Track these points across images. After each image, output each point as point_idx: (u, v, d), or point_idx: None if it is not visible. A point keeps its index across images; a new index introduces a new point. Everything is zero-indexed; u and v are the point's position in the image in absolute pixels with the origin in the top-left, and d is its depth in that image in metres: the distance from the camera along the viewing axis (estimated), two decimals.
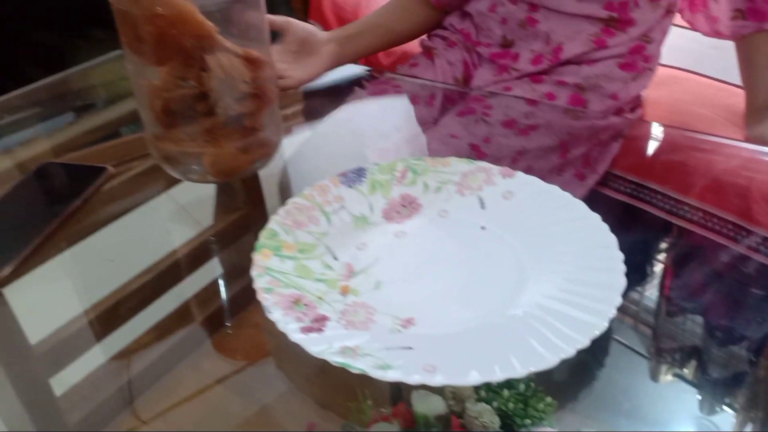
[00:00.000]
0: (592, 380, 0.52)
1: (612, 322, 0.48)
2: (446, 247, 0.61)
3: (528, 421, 0.44)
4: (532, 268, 0.57)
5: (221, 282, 0.64)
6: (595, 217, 0.59)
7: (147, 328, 0.58)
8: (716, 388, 0.52)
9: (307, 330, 0.49)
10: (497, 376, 0.45)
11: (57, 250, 0.65)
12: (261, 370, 0.55)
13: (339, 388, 0.50)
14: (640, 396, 0.51)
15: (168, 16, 0.56)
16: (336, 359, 0.46)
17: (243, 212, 0.63)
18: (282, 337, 0.49)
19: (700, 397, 0.51)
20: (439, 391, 0.45)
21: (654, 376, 0.53)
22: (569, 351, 0.46)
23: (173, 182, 0.69)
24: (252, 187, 0.63)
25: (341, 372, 0.45)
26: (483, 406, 0.44)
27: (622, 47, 0.91)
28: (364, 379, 0.44)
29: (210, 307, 0.60)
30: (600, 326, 0.48)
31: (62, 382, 0.53)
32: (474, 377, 0.44)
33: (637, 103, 0.99)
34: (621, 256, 0.55)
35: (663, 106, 1.00)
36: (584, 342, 0.47)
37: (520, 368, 0.45)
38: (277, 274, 0.55)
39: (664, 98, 1.01)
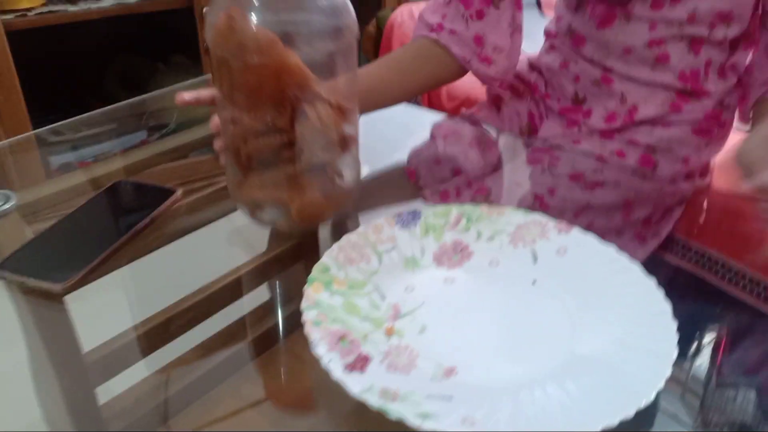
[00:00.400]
0: None
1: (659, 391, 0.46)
2: (494, 298, 0.61)
3: None
4: (581, 328, 0.56)
5: (276, 304, 0.65)
6: (651, 282, 0.58)
7: (191, 347, 0.60)
8: None
9: (350, 368, 0.49)
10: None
11: (119, 264, 0.67)
12: (298, 400, 0.55)
13: (377, 427, 0.49)
14: None
15: (272, 66, 0.57)
16: (375, 402, 0.45)
17: (296, 241, 0.64)
18: (321, 371, 0.49)
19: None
20: None
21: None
22: (613, 421, 0.44)
23: (234, 207, 0.72)
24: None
25: (379, 415, 0.45)
26: None
27: (698, 113, 0.89)
28: (403, 424, 0.44)
29: (255, 331, 0.61)
30: (647, 396, 0.46)
31: (107, 392, 0.54)
32: None
33: (707, 168, 0.96)
34: (674, 324, 0.53)
35: (732, 172, 0.97)
36: (628, 412, 0.45)
37: (561, 429, 0.44)
38: (326, 309, 0.55)
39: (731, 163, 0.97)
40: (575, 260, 0.62)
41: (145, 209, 0.73)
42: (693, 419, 0.54)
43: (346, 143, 0.65)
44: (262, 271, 0.63)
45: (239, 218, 0.72)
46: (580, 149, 0.92)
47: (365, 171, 0.76)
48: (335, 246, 0.61)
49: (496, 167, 0.92)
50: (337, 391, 0.47)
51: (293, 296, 0.65)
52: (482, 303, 0.60)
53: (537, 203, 0.82)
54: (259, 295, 0.67)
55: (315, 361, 0.49)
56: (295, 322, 0.59)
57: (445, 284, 0.62)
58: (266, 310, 0.65)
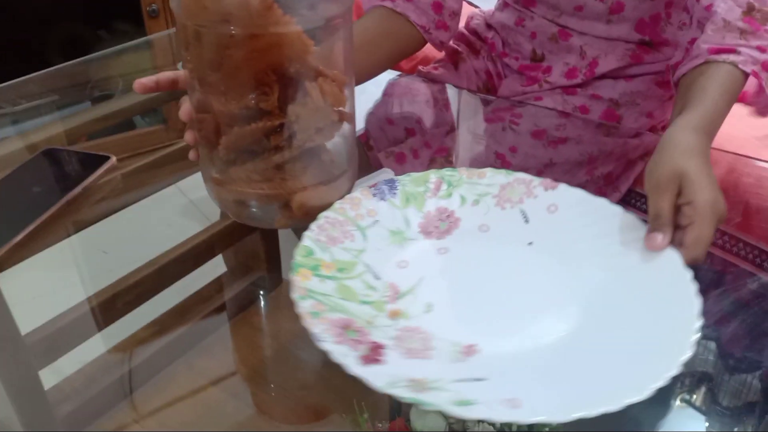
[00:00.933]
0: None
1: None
2: (493, 264, 0.57)
3: None
4: (588, 286, 0.53)
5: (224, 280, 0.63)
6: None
7: (144, 324, 0.57)
8: (725, 416, 0.49)
9: (366, 361, 0.44)
10: (592, 410, 0.39)
11: (56, 238, 0.64)
12: (258, 373, 0.53)
13: (334, 398, 0.48)
14: (649, 421, 0.49)
15: (267, 37, 0.47)
16: (406, 395, 0.41)
17: None
18: (278, 341, 0.47)
19: (707, 425, 0.49)
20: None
21: (662, 402, 0.51)
22: (660, 381, 0.41)
23: (182, 175, 0.68)
24: None
25: (337, 381, 0.44)
26: (485, 426, 0.42)
27: (659, 64, 0.89)
28: (361, 391, 0.42)
29: (209, 305, 0.59)
30: (684, 353, 0.43)
31: (53, 374, 0.52)
32: (566, 412, 0.39)
33: (668, 123, 0.96)
34: (689, 274, 0.50)
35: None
36: (671, 371, 0.41)
37: (612, 401, 0.40)
38: (320, 297, 0.50)
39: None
40: (567, 217, 0.59)
41: (77, 177, 0.69)
42: None
43: (343, 122, 0.57)
44: (215, 243, 0.61)
45: (188, 187, 0.69)
46: (542, 106, 0.91)
47: None
48: (313, 226, 0.55)
49: (455, 126, 0.90)
50: (296, 360, 0.45)
51: (250, 267, 0.64)
52: (482, 271, 0.56)
53: (498, 162, 0.80)
54: (214, 267, 0.64)
55: (275, 332, 0.47)
56: (251, 294, 0.57)
57: (439, 255, 0.58)
58: (222, 283, 0.63)
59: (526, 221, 0.60)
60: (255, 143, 0.52)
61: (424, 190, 0.61)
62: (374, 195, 0.60)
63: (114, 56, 1.04)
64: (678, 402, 0.51)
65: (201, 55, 0.50)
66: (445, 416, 0.42)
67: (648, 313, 0.48)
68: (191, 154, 0.59)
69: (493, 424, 0.42)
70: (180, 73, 0.60)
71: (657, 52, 0.88)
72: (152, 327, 0.57)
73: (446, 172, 0.63)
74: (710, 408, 0.50)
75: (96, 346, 0.55)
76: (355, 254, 0.55)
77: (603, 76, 0.89)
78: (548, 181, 0.61)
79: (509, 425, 0.42)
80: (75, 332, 0.55)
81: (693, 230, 0.50)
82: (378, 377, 0.42)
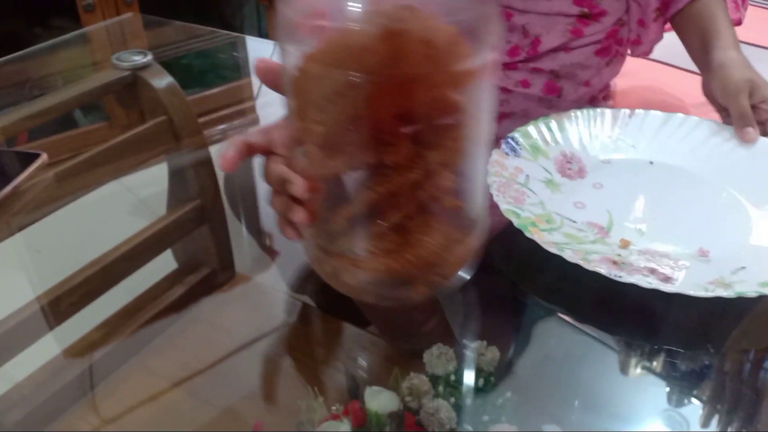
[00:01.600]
0: (556, 375, 0.51)
1: (581, 314, 0.47)
2: (644, 185, 0.66)
3: (486, 418, 0.42)
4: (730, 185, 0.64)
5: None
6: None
7: (94, 326, 0.56)
8: (684, 381, 0.51)
9: (665, 281, 0.51)
10: None
11: None
12: (212, 369, 0.52)
13: (290, 386, 0.48)
14: (608, 390, 0.50)
15: (449, 76, 0.35)
16: (750, 289, 0.50)
17: (197, 203, 0.60)
18: (232, 335, 0.46)
19: (668, 389, 0.50)
20: (395, 387, 0.43)
21: (623, 370, 0.52)
22: None
23: (125, 171, 0.66)
24: (206, 175, 0.60)
25: (292, 370, 0.43)
26: (440, 402, 0.42)
27: (599, 34, 0.90)
28: (316, 377, 0.42)
29: (160, 303, 0.58)
30: None
31: (6, 380, 0.50)
32: None
33: (608, 91, 0.98)
34: None
35: (632, 95, 1.00)
36: None
37: None
38: (566, 246, 0.55)
39: (632, 88, 1.00)
40: (663, 135, 0.70)
41: (5, 176, 0.65)
42: (616, 341, 0.55)
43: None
44: (162, 238, 0.59)
45: (134, 183, 0.67)
46: None
47: None
48: (494, 191, 0.59)
49: None
50: (251, 353, 0.45)
51: (200, 262, 0.62)
52: (642, 193, 0.65)
53: None
54: (165, 264, 0.63)
55: (228, 327, 0.46)
56: (205, 288, 0.56)
57: (597, 190, 0.65)
58: (172, 279, 0.61)
59: (634, 147, 0.70)
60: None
61: (538, 141, 0.69)
62: (507, 154, 0.65)
63: (50, 52, 1.00)
64: (639, 370, 0.52)
65: (341, 109, 0.36)
66: (400, 395, 0.43)
67: None
68: (292, 233, 0.45)
69: (447, 399, 0.43)
70: (254, 135, 0.47)
71: (596, 22, 0.89)
72: (102, 328, 0.56)
73: (542, 120, 0.70)
74: (669, 374, 0.51)
75: (43, 350, 0.53)
76: (542, 207, 0.61)
77: (545, 53, 0.91)
78: (628, 109, 0.72)
79: (463, 400, 0.43)
80: (19, 337, 0.53)
81: None
82: (691, 288, 0.50)
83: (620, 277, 0.51)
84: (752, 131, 0.66)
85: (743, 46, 0.75)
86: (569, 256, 0.53)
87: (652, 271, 0.53)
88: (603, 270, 0.51)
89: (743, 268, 0.54)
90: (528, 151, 0.67)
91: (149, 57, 0.55)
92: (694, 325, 0.55)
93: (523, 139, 0.68)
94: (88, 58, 1.08)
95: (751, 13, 0.93)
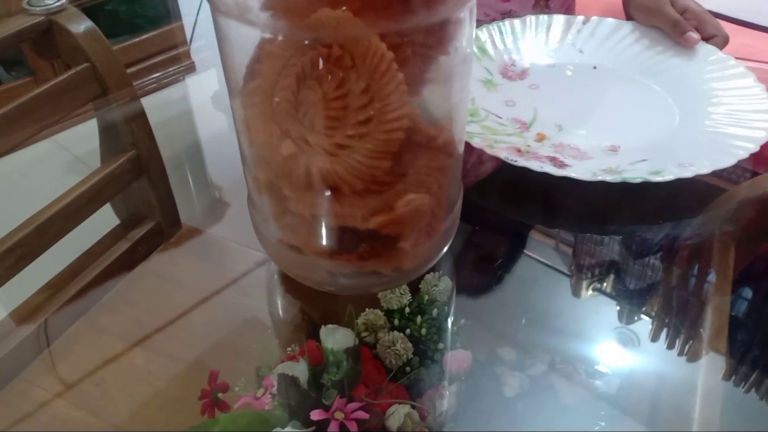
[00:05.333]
0: (509, 299, 0.52)
1: (531, 242, 0.47)
2: (579, 87, 0.69)
3: (442, 345, 0.42)
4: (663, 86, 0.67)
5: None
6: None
7: (39, 287, 0.54)
8: (633, 299, 0.52)
9: (558, 165, 0.54)
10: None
11: None
12: (170, 324, 0.51)
13: (244, 332, 0.47)
14: (561, 313, 0.51)
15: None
16: (609, 178, 0.53)
17: (132, 154, 0.57)
18: (183, 287, 0.45)
19: (618, 308, 0.51)
20: (350, 324, 0.43)
21: (575, 293, 0.53)
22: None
23: (55, 126, 0.62)
24: (140, 126, 0.57)
25: (246, 316, 0.43)
26: (396, 334, 0.42)
27: None
28: (274, 323, 0.42)
29: (105, 260, 0.56)
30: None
31: None
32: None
33: None
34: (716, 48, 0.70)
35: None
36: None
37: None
38: (478, 135, 0.58)
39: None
40: (612, 42, 0.72)
41: None
42: (567, 266, 0.56)
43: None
44: (99, 192, 0.56)
45: (64, 139, 0.64)
46: None
47: None
48: None
49: None
50: (204, 303, 0.44)
51: (143, 216, 0.60)
52: (575, 95, 0.68)
53: None
54: (106, 219, 0.60)
55: (179, 279, 0.45)
56: (151, 241, 0.55)
57: (532, 90, 0.68)
58: (115, 235, 0.59)
59: (581, 52, 0.73)
60: None
61: (485, 42, 0.72)
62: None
63: None
64: (590, 291, 0.53)
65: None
66: (356, 331, 0.43)
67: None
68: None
69: (403, 331, 0.43)
70: None
71: None
72: (48, 289, 0.54)
73: (496, 24, 0.73)
74: (619, 293, 0.53)
75: None
76: (471, 103, 0.64)
77: None
78: (583, 16, 0.74)
79: (419, 330, 0.43)
80: None
81: (706, 25, 0.69)
82: (580, 173, 0.53)
83: (515, 161, 0.54)
84: (693, 35, 0.68)
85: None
86: (476, 143, 0.56)
87: (552, 159, 0.56)
88: (502, 155, 0.55)
89: (644, 160, 0.57)
90: (477, 53, 0.70)
91: (63, 0, 0.51)
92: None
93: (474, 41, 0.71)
94: (3, 9, 1.01)
95: None
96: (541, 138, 0.61)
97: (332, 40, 0.32)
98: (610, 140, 0.60)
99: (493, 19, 0.78)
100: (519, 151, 0.57)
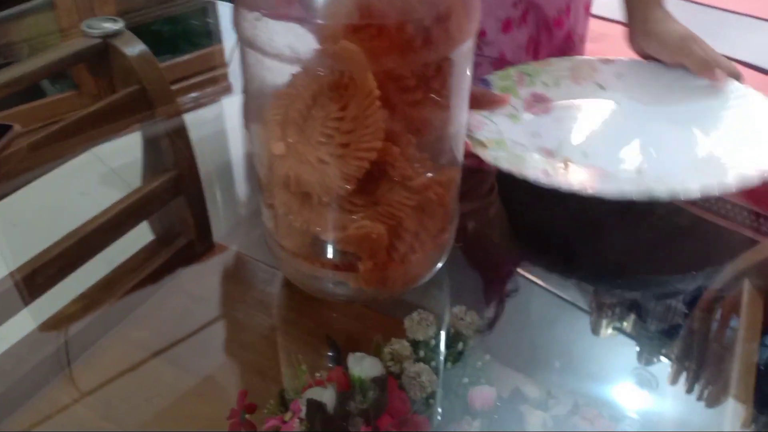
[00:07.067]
0: (532, 337, 0.52)
1: (552, 279, 0.48)
2: (603, 123, 0.70)
3: (466, 380, 0.43)
4: (681, 119, 0.68)
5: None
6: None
7: (71, 298, 0.55)
8: (654, 340, 0.52)
9: (590, 187, 0.55)
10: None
11: None
12: (195, 339, 0.53)
13: (274, 355, 0.48)
14: (581, 351, 0.51)
15: None
16: (643, 197, 0.54)
17: (173, 173, 0.59)
18: (212, 305, 0.46)
19: (638, 349, 0.51)
20: (376, 353, 0.44)
21: (595, 331, 0.53)
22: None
23: (97, 141, 0.65)
24: (181, 144, 0.59)
25: (275, 339, 0.44)
26: (421, 366, 0.43)
27: None
28: (300, 346, 0.43)
29: (139, 274, 0.57)
30: None
31: None
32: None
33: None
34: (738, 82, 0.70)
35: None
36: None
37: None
38: (506, 158, 0.60)
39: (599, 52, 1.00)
40: (632, 79, 0.75)
41: None
42: (588, 303, 0.56)
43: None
44: (138, 210, 0.58)
45: (106, 153, 0.66)
46: None
47: None
48: None
49: None
50: (232, 323, 0.45)
51: (177, 233, 0.62)
52: (598, 125, 0.70)
53: None
54: (141, 235, 0.62)
55: (208, 297, 0.46)
56: (183, 258, 0.56)
57: (557, 122, 0.70)
58: (150, 251, 0.61)
59: (603, 89, 0.75)
60: None
61: (512, 84, 0.74)
62: None
63: (14, 19, 0.96)
64: (610, 330, 0.53)
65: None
66: (382, 360, 0.43)
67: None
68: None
69: (428, 363, 0.44)
70: None
71: None
72: (81, 301, 0.55)
73: (521, 66, 0.76)
74: (639, 333, 0.53)
75: (22, 324, 0.53)
76: (497, 134, 0.65)
77: None
78: (603, 57, 0.77)
79: (443, 363, 0.44)
80: None
81: (721, 64, 0.71)
82: (607, 192, 0.55)
83: (543, 180, 0.56)
84: (720, 72, 0.70)
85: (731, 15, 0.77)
86: (504, 166, 0.58)
87: (577, 180, 0.57)
88: (530, 174, 0.56)
89: (668, 180, 0.57)
90: (499, 91, 0.72)
91: (120, 24, 0.53)
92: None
93: (499, 81, 0.73)
94: (55, 26, 1.04)
95: None
96: (566, 162, 0.62)
97: (346, 71, 0.37)
98: (636, 164, 0.62)
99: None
100: (545, 172, 0.58)
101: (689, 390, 0.47)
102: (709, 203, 0.65)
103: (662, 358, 0.50)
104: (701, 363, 0.50)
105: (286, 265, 0.44)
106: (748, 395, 0.46)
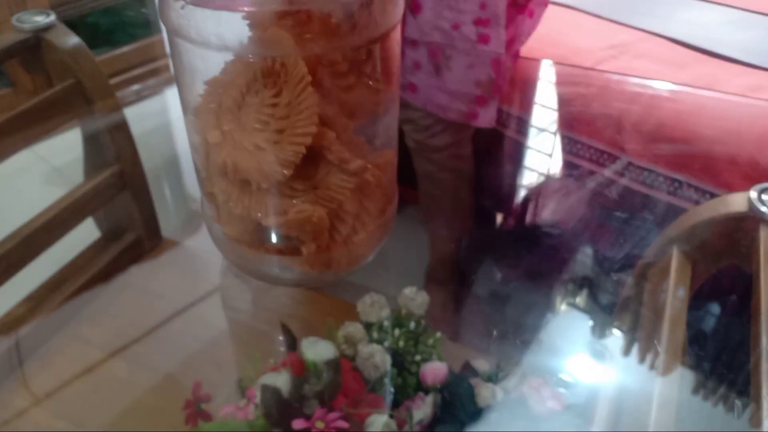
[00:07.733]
0: (485, 314, 0.53)
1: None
2: None
3: (418, 357, 0.44)
4: None
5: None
6: None
7: (19, 300, 0.54)
8: (605, 313, 0.54)
9: None
10: None
11: None
12: (152, 336, 0.52)
13: (228, 346, 0.48)
14: (536, 326, 0.52)
15: None
16: None
17: (116, 168, 0.58)
18: (164, 299, 0.46)
19: (591, 323, 0.53)
20: (330, 336, 0.45)
21: (549, 307, 0.55)
22: None
23: (36, 138, 0.63)
24: (123, 139, 0.58)
25: (229, 329, 0.44)
26: (375, 346, 0.44)
27: None
28: (255, 334, 0.43)
29: (87, 272, 0.57)
30: None
31: None
32: None
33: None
34: None
35: (543, 39, 1.01)
36: None
37: None
38: None
39: (543, 32, 1.01)
40: None
41: None
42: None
43: None
44: (82, 206, 0.57)
45: (47, 151, 0.64)
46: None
47: None
48: None
49: None
50: (190, 316, 0.45)
51: (124, 229, 0.61)
52: None
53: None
54: (88, 233, 0.61)
55: (163, 291, 0.46)
56: (132, 254, 0.55)
57: None
58: (97, 248, 0.60)
59: None
60: None
61: None
62: None
63: None
64: (564, 306, 0.55)
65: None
66: (336, 343, 0.44)
67: None
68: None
69: (381, 343, 0.45)
70: None
71: None
72: (29, 301, 0.54)
73: None
74: (592, 308, 0.55)
75: None
76: None
77: None
78: None
79: (396, 343, 0.45)
80: None
81: None
82: None
83: None
84: None
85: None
86: None
87: None
88: None
89: None
90: None
91: (52, 17, 0.52)
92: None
93: None
94: None
95: None
96: None
97: (277, 57, 0.37)
98: None
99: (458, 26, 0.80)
100: None
101: (626, 353, 0.49)
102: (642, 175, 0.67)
103: (614, 330, 0.51)
104: (641, 331, 0.52)
105: (231, 253, 0.45)
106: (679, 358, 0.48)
